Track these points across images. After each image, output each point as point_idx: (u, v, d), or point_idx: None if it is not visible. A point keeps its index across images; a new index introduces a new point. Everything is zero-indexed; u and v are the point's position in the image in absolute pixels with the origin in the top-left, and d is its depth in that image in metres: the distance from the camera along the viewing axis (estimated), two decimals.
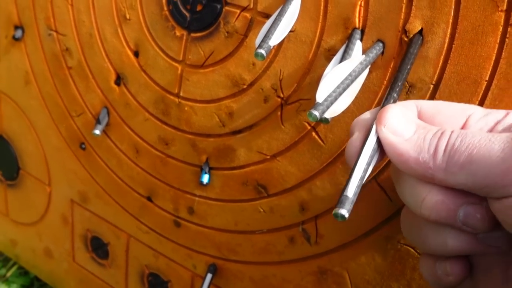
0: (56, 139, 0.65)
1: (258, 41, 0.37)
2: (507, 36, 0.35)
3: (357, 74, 0.37)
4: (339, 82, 0.35)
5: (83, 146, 0.63)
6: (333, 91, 0.35)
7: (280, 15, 0.38)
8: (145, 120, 0.55)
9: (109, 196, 0.63)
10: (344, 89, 0.35)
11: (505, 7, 0.34)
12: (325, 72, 0.39)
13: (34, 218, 0.75)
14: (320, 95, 0.34)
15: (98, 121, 0.58)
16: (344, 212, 0.30)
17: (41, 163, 0.69)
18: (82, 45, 0.57)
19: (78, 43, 0.58)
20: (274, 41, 0.37)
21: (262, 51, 0.36)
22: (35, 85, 0.64)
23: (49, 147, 0.67)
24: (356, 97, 0.42)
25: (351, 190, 0.30)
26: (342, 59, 0.39)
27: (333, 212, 0.30)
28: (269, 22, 0.39)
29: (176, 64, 0.51)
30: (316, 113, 0.33)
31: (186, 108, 0.52)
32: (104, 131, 0.59)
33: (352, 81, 0.36)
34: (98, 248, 0.68)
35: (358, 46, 0.40)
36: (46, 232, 0.74)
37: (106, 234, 0.66)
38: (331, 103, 0.34)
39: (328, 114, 0.35)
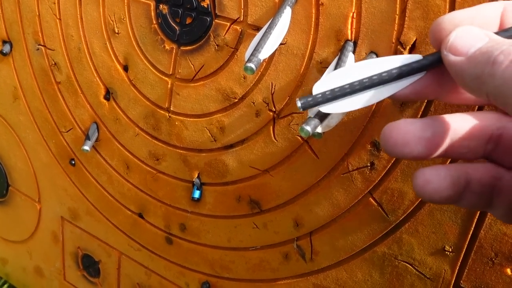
0: (45, 155, 0.64)
1: (247, 54, 0.36)
2: None
3: None
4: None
5: (73, 162, 0.61)
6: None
7: (270, 27, 0.37)
8: (135, 135, 0.54)
9: (100, 213, 0.62)
10: None
11: None
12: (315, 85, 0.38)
13: (24, 236, 0.73)
14: (312, 110, 0.33)
15: (87, 137, 0.57)
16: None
17: (30, 180, 0.67)
18: (71, 59, 0.56)
19: (67, 57, 0.56)
20: (264, 54, 0.36)
21: (252, 65, 0.35)
22: (23, 101, 0.63)
23: (39, 164, 0.65)
24: None
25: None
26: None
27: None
28: (259, 35, 0.38)
29: (166, 78, 0.50)
30: (308, 128, 0.32)
31: (176, 123, 0.51)
32: (93, 147, 0.58)
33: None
34: (89, 266, 0.66)
35: (350, 58, 0.39)
36: (37, 250, 0.73)
37: (97, 251, 0.65)
38: (324, 117, 0.33)
39: (321, 129, 0.34)
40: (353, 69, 0.30)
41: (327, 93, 0.29)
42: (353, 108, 0.29)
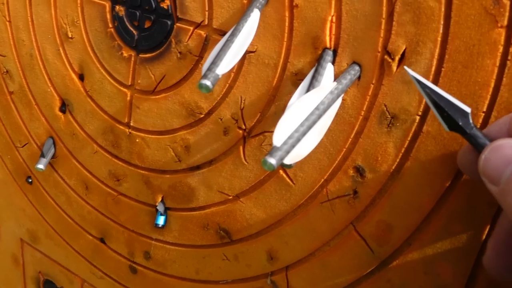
0: (1, 172, 0.58)
1: (204, 68, 0.30)
2: (509, 58, 0.28)
3: (326, 107, 0.30)
4: (303, 118, 0.28)
5: (30, 180, 0.55)
6: (295, 131, 0.28)
7: (234, 35, 0.31)
8: (93, 153, 0.48)
9: (60, 236, 0.56)
10: (310, 127, 0.29)
11: (505, 23, 0.28)
12: (289, 104, 0.32)
13: None
14: (278, 138, 0.27)
15: (42, 154, 0.51)
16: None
17: None
18: (23, 67, 0.50)
19: (19, 64, 0.51)
20: (222, 69, 0.30)
21: (207, 82, 0.29)
22: None
23: None
24: (329, 129, 0.35)
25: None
26: (311, 85, 0.33)
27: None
28: (219, 44, 0.32)
29: (125, 90, 0.44)
30: (273, 161, 0.26)
31: (137, 140, 0.45)
32: (50, 164, 0.52)
33: (319, 116, 0.29)
34: None
35: (329, 70, 0.33)
36: None
37: (59, 277, 0.59)
38: (292, 147, 0.27)
39: (289, 160, 0.28)
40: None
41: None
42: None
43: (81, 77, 0.47)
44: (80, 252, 0.54)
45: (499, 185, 0.24)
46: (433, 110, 0.27)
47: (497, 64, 0.28)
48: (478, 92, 0.29)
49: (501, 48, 0.28)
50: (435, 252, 0.34)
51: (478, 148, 0.27)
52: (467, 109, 0.26)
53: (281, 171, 0.38)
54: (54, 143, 0.51)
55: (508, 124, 0.26)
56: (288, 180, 0.38)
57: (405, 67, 0.27)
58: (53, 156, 0.52)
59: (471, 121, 0.26)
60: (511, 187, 0.23)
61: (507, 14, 0.27)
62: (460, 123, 0.26)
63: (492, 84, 0.29)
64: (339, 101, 0.32)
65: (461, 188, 0.32)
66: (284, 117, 0.28)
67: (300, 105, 0.29)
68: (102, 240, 0.52)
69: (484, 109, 0.30)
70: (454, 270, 0.33)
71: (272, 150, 0.27)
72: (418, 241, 0.34)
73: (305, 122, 0.29)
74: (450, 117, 0.27)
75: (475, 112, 0.30)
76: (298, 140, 0.28)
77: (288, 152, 0.27)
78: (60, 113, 0.49)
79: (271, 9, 0.35)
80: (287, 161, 0.27)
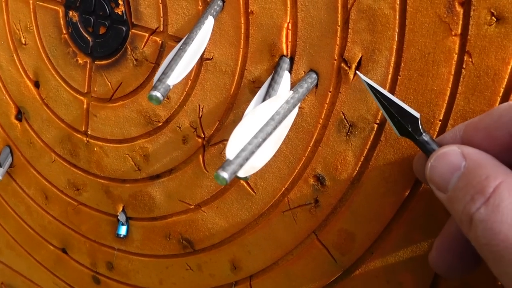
0: None
1: (155, 78, 0.29)
2: (464, 66, 0.28)
3: (281, 117, 0.29)
4: (258, 130, 0.28)
5: None
6: (249, 143, 0.27)
7: (186, 43, 0.30)
8: (51, 162, 0.47)
9: (21, 246, 0.54)
10: (264, 139, 0.28)
11: (459, 31, 0.27)
12: (245, 113, 0.31)
13: None
14: (231, 150, 0.26)
15: None
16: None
17: None
18: None
19: None
20: (173, 79, 0.29)
21: (157, 93, 0.28)
22: None
23: None
24: (288, 137, 0.34)
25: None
26: (267, 94, 0.32)
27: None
28: (171, 53, 0.31)
29: (81, 97, 0.43)
30: (225, 175, 0.25)
31: (95, 149, 0.43)
32: (8, 173, 0.51)
33: (275, 127, 0.28)
34: None
35: (286, 78, 0.32)
36: None
37: None
38: (246, 159, 0.27)
39: (243, 173, 0.27)
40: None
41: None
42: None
43: (37, 84, 0.45)
44: (42, 262, 0.53)
45: (446, 192, 0.24)
46: (384, 115, 0.27)
47: (452, 72, 0.28)
48: (434, 100, 0.29)
49: (455, 56, 0.28)
50: (397, 261, 0.33)
51: (427, 154, 0.26)
52: (417, 115, 0.26)
53: (241, 180, 0.37)
54: (11, 152, 0.49)
55: (461, 131, 0.26)
56: (249, 189, 0.37)
57: (357, 72, 0.27)
58: (11, 165, 0.50)
59: (420, 126, 0.26)
60: (458, 194, 0.23)
61: (460, 22, 0.27)
62: (410, 129, 0.26)
63: (448, 92, 0.29)
64: (296, 110, 0.32)
65: (420, 196, 0.31)
66: (237, 129, 0.28)
67: (255, 115, 0.29)
68: (64, 251, 0.50)
69: (441, 117, 0.29)
70: (416, 278, 0.33)
71: (224, 163, 0.26)
72: (380, 250, 0.34)
73: (259, 134, 0.28)
74: (401, 122, 0.26)
75: (432, 120, 0.29)
76: (252, 152, 0.27)
77: (241, 165, 0.26)
78: (16, 121, 0.48)
79: (227, 15, 0.34)
80: (241, 174, 0.26)
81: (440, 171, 0.24)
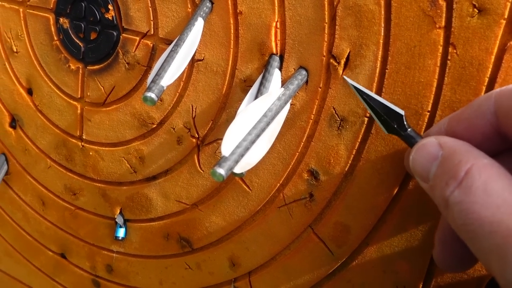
0: None
1: (149, 80, 0.30)
2: (449, 57, 0.29)
3: (274, 114, 0.30)
4: (251, 126, 0.28)
5: None
6: (244, 139, 0.28)
7: (177, 45, 0.31)
8: (47, 168, 0.47)
9: (19, 253, 0.54)
10: (258, 135, 0.28)
11: (443, 23, 0.28)
12: (238, 111, 0.31)
13: None
14: (226, 147, 0.27)
15: None
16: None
17: None
18: None
19: None
20: (167, 80, 0.29)
21: (152, 94, 0.28)
22: None
23: None
24: (281, 134, 0.35)
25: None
26: (259, 92, 0.32)
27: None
28: (164, 55, 0.31)
29: (75, 103, 0.43)
30: (222, 171, 0.26)
31: (91, 153, 0.44)
32: (4, 181, 0.51)
33: (268, 123, 0.29)
34: None
35: (276, 75, 0.33)
36: None
37: None
38: (241, 156, 0.27)
39: (239, 169, 0.27)
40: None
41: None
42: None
43: (30, 92, 0.45)
44: (41, 268, 0.53)
45: (428, 181, 0.25)
46: (371, 114, 0.28)
47: (438, 64, 0.29)
48: (422, 92, 0.30)
49: (440, 49, 0.29)
50: (392, 251, 0.34)
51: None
52: (401, 112, 0.27)
53: (237, 178, 0.38)
54: (6, 159, 0.50)
55: (445, 124, 0.27)
56: (245, 187, 0.38)
57: (344, 77, 0.28)
58: (7, 173, 0.50)
59: (405, 123, 0.27)
60: (437, 182, 0.24)
61: (444, 15, 0.28)
62: (395, 126, 0.27)
63: (435, 84, 0.29)
64: (288, 106, 0.32)
65: (412, 186, 0.32)
66: (232, 126, 0.28)
67: (248, 113, 0.29)
68: (63, 256, 0.51)
69: (429, 108, 0.30)
70: (412, 267, 0.34)
71: (220, 160, 0.27)
72: (375, 241, 0.34)
73: (253, 130, 0.28)
74: (387, 120, 0.27)
75: (420, 111, 0.30)
76: (246, 148, 0.28)
77: (237, 161, 0.27)
78: (11, 129, 0.48)
79: (216, 16, 0.35)
80: (237, 170, 0.27)
81: (421, 162, 0.26)
